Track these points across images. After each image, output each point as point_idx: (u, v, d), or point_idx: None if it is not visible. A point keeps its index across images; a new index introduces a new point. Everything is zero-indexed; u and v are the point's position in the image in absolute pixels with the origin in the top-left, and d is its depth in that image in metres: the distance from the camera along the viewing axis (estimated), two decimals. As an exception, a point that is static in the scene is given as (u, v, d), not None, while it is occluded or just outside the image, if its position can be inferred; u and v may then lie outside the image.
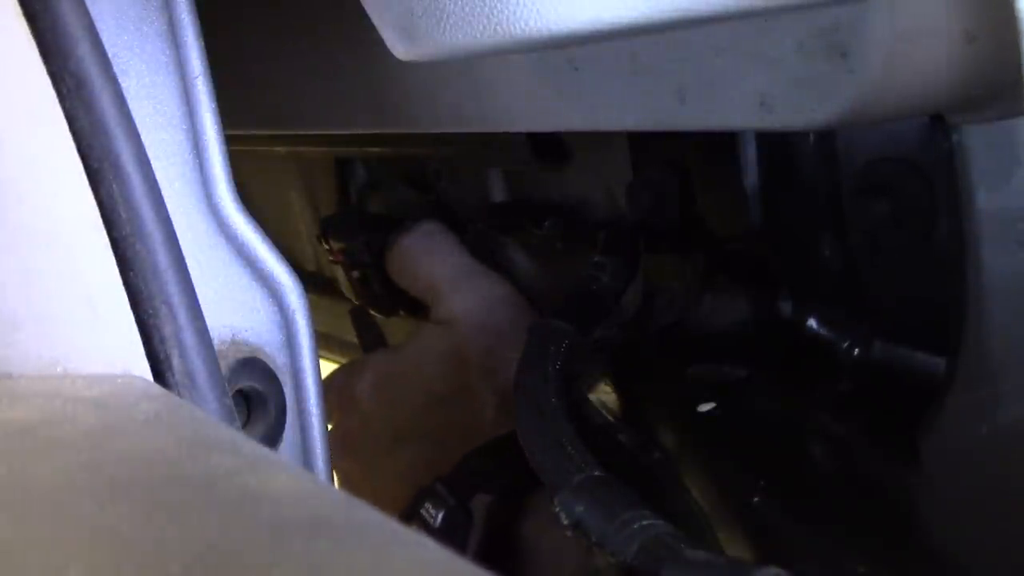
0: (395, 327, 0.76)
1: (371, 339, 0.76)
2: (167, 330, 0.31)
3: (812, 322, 0.49)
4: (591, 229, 0.58)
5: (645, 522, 0.38)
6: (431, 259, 0.64)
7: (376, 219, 0.74)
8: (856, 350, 0.47)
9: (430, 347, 0.62)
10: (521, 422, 0.46)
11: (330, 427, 0.62)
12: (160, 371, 0.32)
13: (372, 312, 0.75)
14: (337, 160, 0.81)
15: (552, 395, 0.47)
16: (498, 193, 0.68)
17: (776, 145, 0.47)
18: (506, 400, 0.59)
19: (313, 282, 0.86)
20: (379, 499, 0.61)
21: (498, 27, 0.27)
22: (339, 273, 0.75)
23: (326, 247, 0.73)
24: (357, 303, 0.75)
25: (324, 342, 0.84)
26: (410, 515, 0.53)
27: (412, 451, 0.61)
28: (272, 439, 0.38)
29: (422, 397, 0.61)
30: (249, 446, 0.25)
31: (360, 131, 0.56)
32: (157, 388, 0.31)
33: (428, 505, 0.52)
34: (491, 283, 0.63)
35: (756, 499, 0.44)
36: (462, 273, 0.63)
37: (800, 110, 0.33)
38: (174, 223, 0.32)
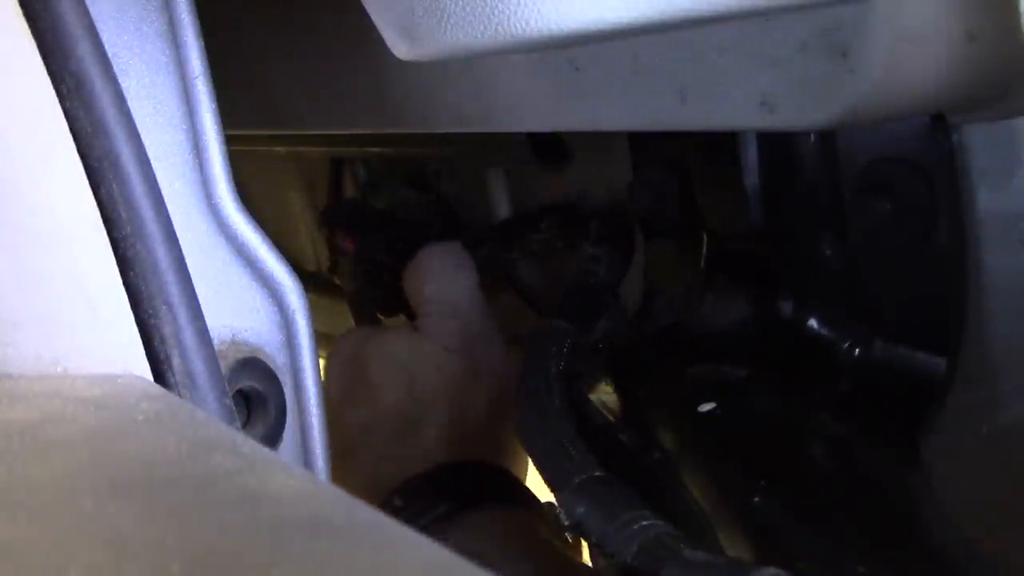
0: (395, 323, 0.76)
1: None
2: (167, 330, 0.31)
3: (812, 322, 0.49)
4: (586, 222, 0.58)
5: (645, 522, 0.38)
6: (438, 275, 0.64)
7: (391, 221, 0.74)
8: (856, 350, 0.47)
9: (393, 361, 0.62)
10: (523, 423, 0.46)
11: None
12: (160, 371, 0.32)
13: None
14: (332, 160, 0.81)
15: (555, 396, 0.47)
16: (498, 193, 0.68)
17: (777, 145, 0.47)
18: (451, 435, 0.59)
19: (313, 282, 0.86)
20: None
21: (499, 27, 0.27)
22: (341, 263, 0.75)
23: (327, 234, 0.73)
24: (352, 294, 0.75)
25: (324, 342, 0.84)
26: None
27: (351, 468, 0.60)
28: (272, 439, 0.38)
29: (371, 415, 0.61)
30: (249, 446, 0.25)
31: (360, 131, 0.56)
32: (157, 388, 0.31)
33: None
34: (473, 321, 0.63)
35: (756, 499, 0.44)
36: (454, 300, 0.63)
37: (802, 110, 0.33)
38: (174, 223, 0.32)
